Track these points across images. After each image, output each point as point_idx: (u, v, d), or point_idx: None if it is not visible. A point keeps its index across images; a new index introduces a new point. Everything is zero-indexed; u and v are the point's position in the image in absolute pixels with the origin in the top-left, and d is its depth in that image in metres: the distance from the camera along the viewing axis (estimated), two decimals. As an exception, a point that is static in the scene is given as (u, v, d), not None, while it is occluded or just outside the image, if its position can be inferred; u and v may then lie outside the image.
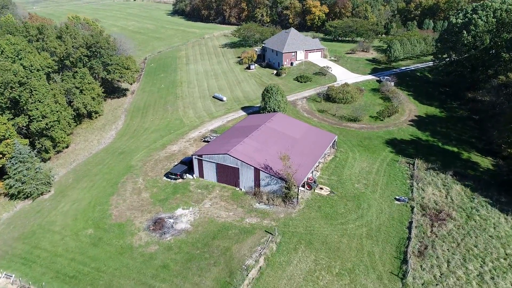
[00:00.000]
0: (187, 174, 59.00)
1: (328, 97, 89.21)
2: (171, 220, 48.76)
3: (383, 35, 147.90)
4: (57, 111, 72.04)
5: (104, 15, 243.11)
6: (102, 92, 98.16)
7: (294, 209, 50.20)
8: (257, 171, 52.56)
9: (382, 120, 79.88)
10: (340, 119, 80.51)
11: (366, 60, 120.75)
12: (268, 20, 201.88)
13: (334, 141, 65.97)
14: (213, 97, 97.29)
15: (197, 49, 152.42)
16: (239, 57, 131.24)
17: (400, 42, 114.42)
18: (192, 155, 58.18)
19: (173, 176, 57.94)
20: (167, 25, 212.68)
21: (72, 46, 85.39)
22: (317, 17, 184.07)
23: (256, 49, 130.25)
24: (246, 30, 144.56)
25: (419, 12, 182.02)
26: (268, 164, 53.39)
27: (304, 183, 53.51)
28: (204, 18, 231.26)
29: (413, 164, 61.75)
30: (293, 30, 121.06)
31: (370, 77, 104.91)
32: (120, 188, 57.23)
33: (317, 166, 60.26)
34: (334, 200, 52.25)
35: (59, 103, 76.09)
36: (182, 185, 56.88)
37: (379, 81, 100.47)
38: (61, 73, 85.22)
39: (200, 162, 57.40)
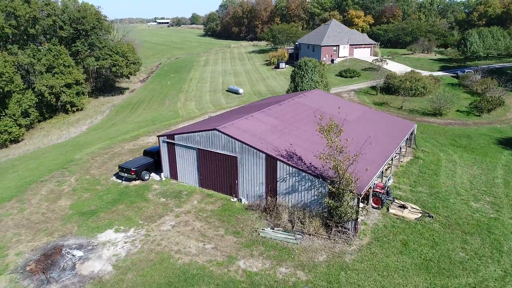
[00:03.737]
0: (152, 173, 33.43)
1: (387, 89, 62.36)
2: (78, 254, 22.47)
3: (448, 36, 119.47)
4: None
5: (132, 35, 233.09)
6: (93, 88, 76.99)
7: (349, 245, 22.59)
8: (271, 162, 25.95)
9: (478, 115, 51.43)
10: (410, 112, 52.92)
11: (430, 59, 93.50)
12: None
13: (412, 134, 38.48)
14: (227, 90, 73.16)
15: (220, 55, 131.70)
16: (267, 60, 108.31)
17: (478, 34, 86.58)
18: (158, 136, 32.59)
19: (125, 174, 32.40)
20: (193, 39, 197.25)
21: (44, 12, 64.96)
22: (360, 29, 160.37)
23: (288, 48, 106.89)
24: (276, 31, 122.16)
25: (483, 22, 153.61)
26: (295, 151, 26.78)
27: (368, 193, 26.20)
28: (235, 36, 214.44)
29: None
30: (334, 21, 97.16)
31: (440, 73, 77.36)
32: (31, 190, 32.19)
33: (386, 169, 32.79)
34: (435, 231, 24.15)
35: (6, 80, 54.33)
36: (136, 189, 31.08)
37: (455, 77, 72.66)
38: (27, 48, 64.38)
39: (171, 149, 31.69)
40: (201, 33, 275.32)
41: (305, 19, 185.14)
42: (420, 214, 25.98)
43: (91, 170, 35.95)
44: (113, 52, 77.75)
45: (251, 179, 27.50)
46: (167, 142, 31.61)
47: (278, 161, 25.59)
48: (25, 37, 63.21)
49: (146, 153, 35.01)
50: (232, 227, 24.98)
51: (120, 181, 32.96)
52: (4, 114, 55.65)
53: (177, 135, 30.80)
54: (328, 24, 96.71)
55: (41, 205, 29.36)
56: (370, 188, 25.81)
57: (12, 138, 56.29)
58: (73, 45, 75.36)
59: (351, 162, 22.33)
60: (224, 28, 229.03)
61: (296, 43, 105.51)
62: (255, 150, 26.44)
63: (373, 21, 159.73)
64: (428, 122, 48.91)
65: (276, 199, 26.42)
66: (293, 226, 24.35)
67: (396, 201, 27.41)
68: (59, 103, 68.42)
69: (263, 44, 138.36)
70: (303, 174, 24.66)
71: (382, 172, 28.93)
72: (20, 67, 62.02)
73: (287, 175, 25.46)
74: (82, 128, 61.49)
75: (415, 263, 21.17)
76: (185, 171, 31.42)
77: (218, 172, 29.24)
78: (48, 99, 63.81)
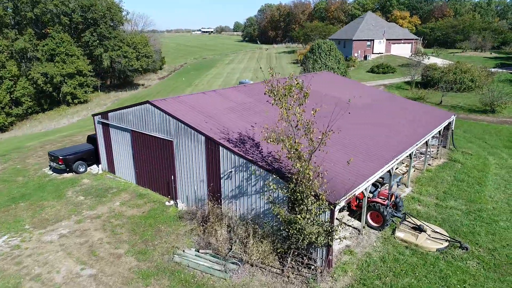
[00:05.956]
0: (94, 165, 25.88)
1: (426, 84, 51.27)
2: None
3: (507, 34, 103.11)
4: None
5: (170, 40, 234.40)
6: (103, 84, 72.54)
7: (309, 289, 13.18)
8: (213, 149, 17.25)
9: (545, 114, 39.15)
10: (451, 109, 41.69)
11: (484, 57, 79.88)
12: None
13: (449, 129, 27.90)
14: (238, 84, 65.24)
15: (249, 55, 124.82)
16: (295, 60, 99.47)
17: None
18: (93, 115, 24.98)
19: (53, 164, 25.08)
20: (228, 43, 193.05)
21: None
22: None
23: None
24: (309, 29, 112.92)
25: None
26: (254, 135, 17.89)
27: (359, 199, 16.71)
28: (271, 40, 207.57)
29: None
30: (370, 14, 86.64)
31: (495, 70, 64.27)
32: None
33: (404, 174, 22.84)
34: (470, 275, 14.01)
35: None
36: (59, 183, 23.56)
37: (515, 73, 59.53)
38: (25, 33, 60.55)
39: (106, 132, 23.95)
40: (239, 39, 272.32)
41: (345, 22, 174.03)
42: (446, 243, 15.90)
43: (28, 159, 29.16)
44: (123, 43, 72.96)
45: (189, 174, 18.93)
46: (102, 123, 23.92)
47: (221, 147, 16.82)
48: (24, 22, 59.72)
49: (90, 139, 27.59)
50: (143, 243, 16.44)
51: (51, 172, 25.73)
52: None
53: (111, 113, 23.02)
54: (362, 17, 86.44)
55: None
56: (364, 196, 16.20)
57: (-6, 128, 52.10)
58: (82, 35, 71.47)
59: (318, 144, 13.09)
60: (261, 32, 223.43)
61: (328, 39, 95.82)
62: (192, 131, 17.88)
63: (419, 22, 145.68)
64: (475, 119, 37.56)
65: (221, 204, 17.62)
66: (230, 249, 15.35)
67: (408, 219, 17.49)
68: (60, 94, 64.00)
69: (295, 45, 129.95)
70: (253, 167, 15.69)
71: (391, 174, 19.03)
72: (17, 53, 58.11)
73: (233, 169, 16.60)
74: (73, 120, 56.20)
75: (424, 336, 11.37)
76: (121, 161, 23.49)
77: (154, 164, 20.97)
78: (44, 88, 59.42)
